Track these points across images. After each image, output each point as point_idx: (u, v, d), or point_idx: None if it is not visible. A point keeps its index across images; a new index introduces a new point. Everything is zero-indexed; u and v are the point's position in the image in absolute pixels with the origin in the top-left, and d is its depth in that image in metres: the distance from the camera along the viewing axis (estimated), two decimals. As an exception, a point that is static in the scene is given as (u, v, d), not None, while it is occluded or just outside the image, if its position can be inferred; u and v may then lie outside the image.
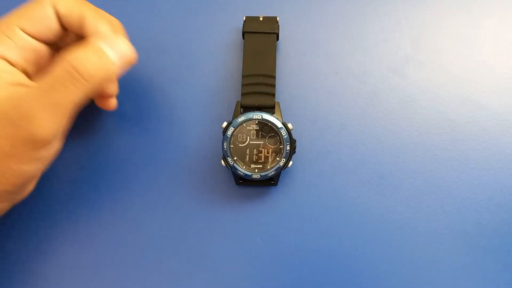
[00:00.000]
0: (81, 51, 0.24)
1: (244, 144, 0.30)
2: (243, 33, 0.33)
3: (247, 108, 0.31)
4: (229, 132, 0.30)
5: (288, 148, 0.30)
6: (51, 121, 0.24)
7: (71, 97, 0.24)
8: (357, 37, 0.32)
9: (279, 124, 0.30)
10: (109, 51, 0.25)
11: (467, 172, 0.32)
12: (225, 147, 0.30)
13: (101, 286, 0.30)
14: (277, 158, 0.30)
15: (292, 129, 0.30)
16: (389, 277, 0.30)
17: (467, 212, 0.31)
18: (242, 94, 0.31)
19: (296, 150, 0.31)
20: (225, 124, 0.31)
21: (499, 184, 0.32)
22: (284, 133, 0.30)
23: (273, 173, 0.30)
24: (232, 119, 0.30)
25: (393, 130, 0.33)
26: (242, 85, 0.31)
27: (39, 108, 0.23)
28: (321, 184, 0.32)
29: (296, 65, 0.34)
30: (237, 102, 0.31)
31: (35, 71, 0.28)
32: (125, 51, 0.26)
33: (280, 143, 0.30)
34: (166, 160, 0.33)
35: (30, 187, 0.28)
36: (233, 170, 0.31)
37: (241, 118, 0.30)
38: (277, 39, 0.33)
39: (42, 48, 0.28)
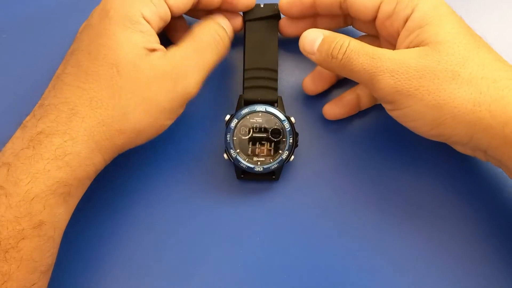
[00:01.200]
0: (217, 23, 0.30)
1: (247, 137, 0.30)
2: (244, 22, 0.33)
3: (249, 102, 0.31)
4: (233, 124, 0.30)
5: (290, 141, 0.30)
6: (199, 78, 0.28)
7: (214, 57, 0.29)
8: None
9: (282, 117, 0.30)
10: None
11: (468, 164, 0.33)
12: (228, 139, 0.30)
13: (100, 283, 0.30)
14: (280, 151, 0.30)
15: (294, 123, 0.31)
16: (388, 276, 0.30)
17: (469, 209, 0.32)
18: (245, 88, 0.31)
19: (298, 143, 0.31)
20: (228, 117, 0.30)
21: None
22: (287, 126, 0.30)
23: (275, 165, 0.30)
24: (236, 112, 0.30)
25: (394, 126, 0.33)
26: (244, 79, 0.31)
27: (193, 67, 0.28)
28: (322, 180, 0.32)
29: (298, 61, 0.34)
30: (240, 96, 0.31)
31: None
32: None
33: (283, 136, 0.30)
34: (167, 155, 0.33)
35: None
36: (235, 162, 0.30)
37: (244, 110, 0.30)
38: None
39: (168, 20, 0.30)
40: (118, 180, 0.32)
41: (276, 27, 0.33)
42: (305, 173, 0.32)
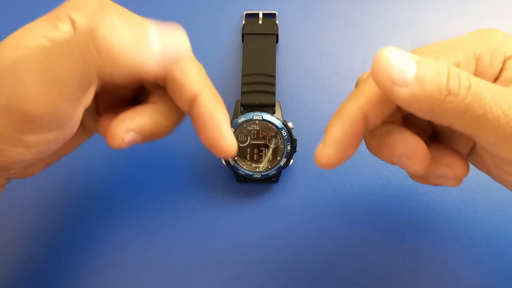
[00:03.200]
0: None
1: (245, 144, 0.31)
2: (243, 35, 0.33)
3: (247, 107, 0.31)
4: (230, 133, 0.30)
5: (288, 148, 0.30)
6: (46, 93, 0.18)
7: (75, 67, 0.18)
8: (357, 37, 0.32)
9: (280, 125, 0.30)
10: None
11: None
12: (226, 147, 0.30)
13: (102, 284, 0.31)
14: (278, 158, 0.30)
15: (292, 128, 0.31)
16: (388, 276, 0.30)
17: (467, 207, 0.32)
18: (242, 93, 0.31)
19: (296, 149, 0.31)
20: (225, 123, 0.31)
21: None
22: (284, 133, 0.30)
23: (274, 172, 0.31)
24: (232, 119, 0.31)
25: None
26: (242, 84, 0.31)
27: (37, 73, 0.18)
28: (321, 183, 0.32)
29: (296, 65, 0.34)
30: (237, 101, 0.31)
31: None
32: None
33: (281, 143, 0.30)
34: (167, 158, 0.33)
35: (33, 170, 0.23)
36: (234, 169, 0.31)
37: (241, 119, 0.30)
38: (277, 41, 0.33)
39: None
40: (119, 184, 0.32)
41: (274, 41, 0.33)
42: (304, 175, 0.33)
